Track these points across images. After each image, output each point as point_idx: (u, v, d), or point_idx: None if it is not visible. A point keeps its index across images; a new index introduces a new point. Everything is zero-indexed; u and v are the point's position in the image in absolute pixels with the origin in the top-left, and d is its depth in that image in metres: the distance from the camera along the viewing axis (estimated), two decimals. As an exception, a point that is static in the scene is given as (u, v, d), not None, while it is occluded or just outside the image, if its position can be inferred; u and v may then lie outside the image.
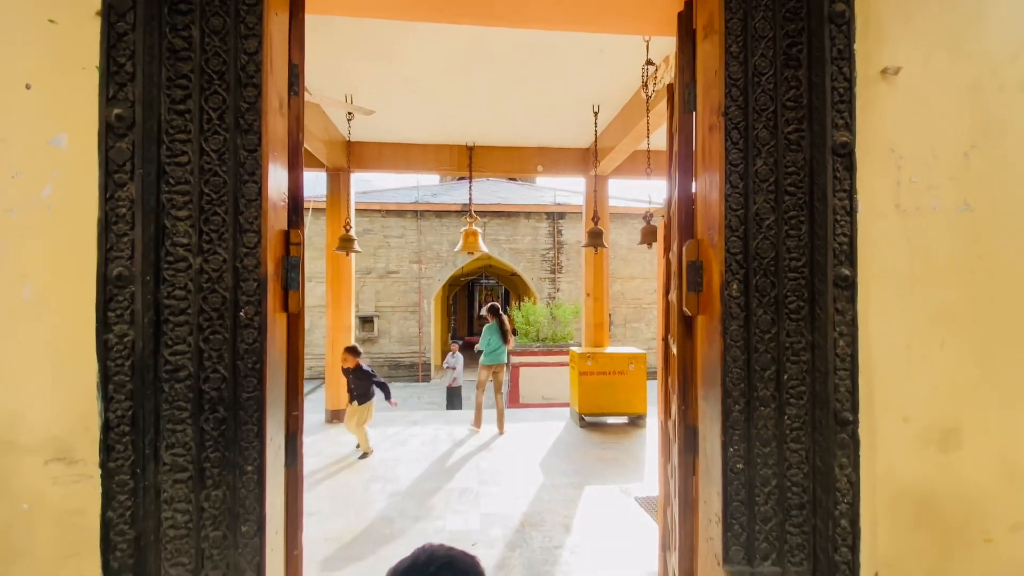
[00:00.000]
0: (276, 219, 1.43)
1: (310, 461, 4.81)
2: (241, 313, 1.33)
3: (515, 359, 11.12)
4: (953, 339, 1.41)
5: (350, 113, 4.59)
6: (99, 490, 1.23)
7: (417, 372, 15.12)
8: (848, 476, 1.39)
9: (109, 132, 1.25)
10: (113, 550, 1.25)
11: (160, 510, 1.30)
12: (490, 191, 16.40)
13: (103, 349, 1.23)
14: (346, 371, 5.07)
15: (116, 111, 1.24)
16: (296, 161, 1.58)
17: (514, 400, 10.72)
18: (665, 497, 2.19)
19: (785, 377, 1.44)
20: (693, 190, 1.72)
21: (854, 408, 1.39)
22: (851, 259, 1.41)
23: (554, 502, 3.75)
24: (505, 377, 6.78)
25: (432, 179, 20.00)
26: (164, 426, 1.30)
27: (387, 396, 5.15)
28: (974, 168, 1.43)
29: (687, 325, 1.73)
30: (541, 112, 5.25)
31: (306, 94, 3.27)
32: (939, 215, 1.42)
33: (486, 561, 2.94)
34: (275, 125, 1.42)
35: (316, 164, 5.82)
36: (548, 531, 3.29)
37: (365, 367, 5.11)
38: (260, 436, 1.34)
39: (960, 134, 1.43)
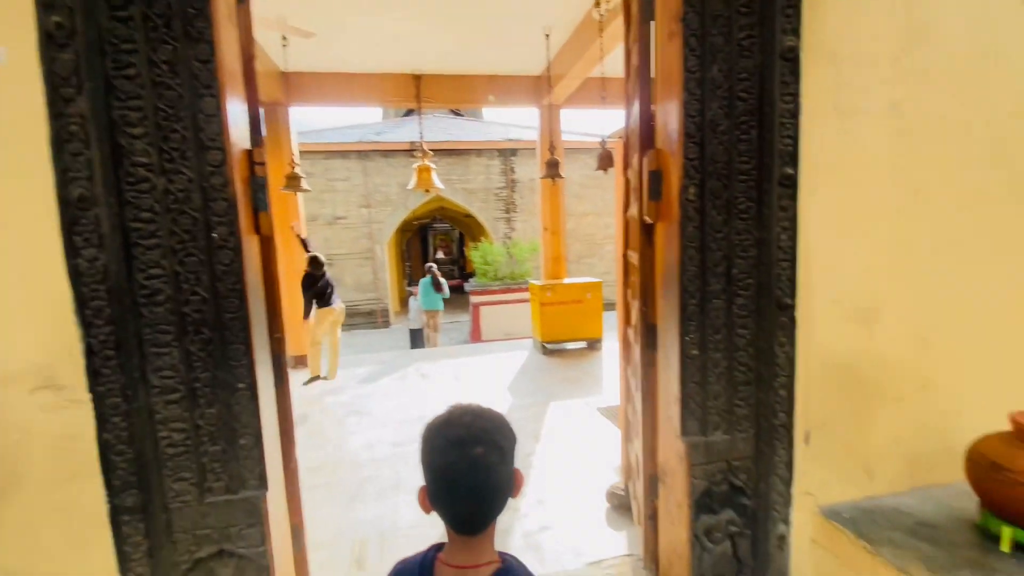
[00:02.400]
0: (238, 136, 1.39)
1: (279, 404, 4.85)
2: (214, 234, 1.32)
3: (475, 299, 11.28)
4: (878, 229, 1.59)
5: (284, 38, 4.26)
6: (92, 414, 1.24)
7: (376, 319, 15.05)
8: (787, 353, 1.59)
9: (50, 42, 1.16)
10: (114, 470, 1.29)
11: (156, 430, 1.34)
12: (438, 128, 15.82)
13: (75, 274, 1.21)
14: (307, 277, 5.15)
15: (54, 19, 1.15)
16: (251, 75, 1.51)
17: (476, 337, 10.98)
18: (626, 396, 2.41)
19: (735, 271, 1.59)
20: (652, 101, 1.78)
21: (792, 294, 1.57)
22: (794, 159, 1.53)
23: (523, 419, 4.01)
24: (442, 321, 9.61)
25: (375, 116, 19.00)
26: (149, 350, 1.31)
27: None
28: (903, 71, 1.56)
29: (648, 233, 1.84)
30: (491, 36, 5.06)
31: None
32: (871, 116, 1.55)
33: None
34: (227, 34, 1.35)
35: (251, 99, 5.42)
36: (520, 442, 3.53)
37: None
38: (248, 355, 1.38)
39: (892, 39, 1.55)
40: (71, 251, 1.20)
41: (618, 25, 3.78)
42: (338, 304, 5.44)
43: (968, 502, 1.53)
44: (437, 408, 0.92)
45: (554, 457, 3.31)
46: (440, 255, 22.26)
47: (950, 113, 1.59)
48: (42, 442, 1.23)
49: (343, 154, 13.99)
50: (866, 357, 1.64)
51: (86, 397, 1.23)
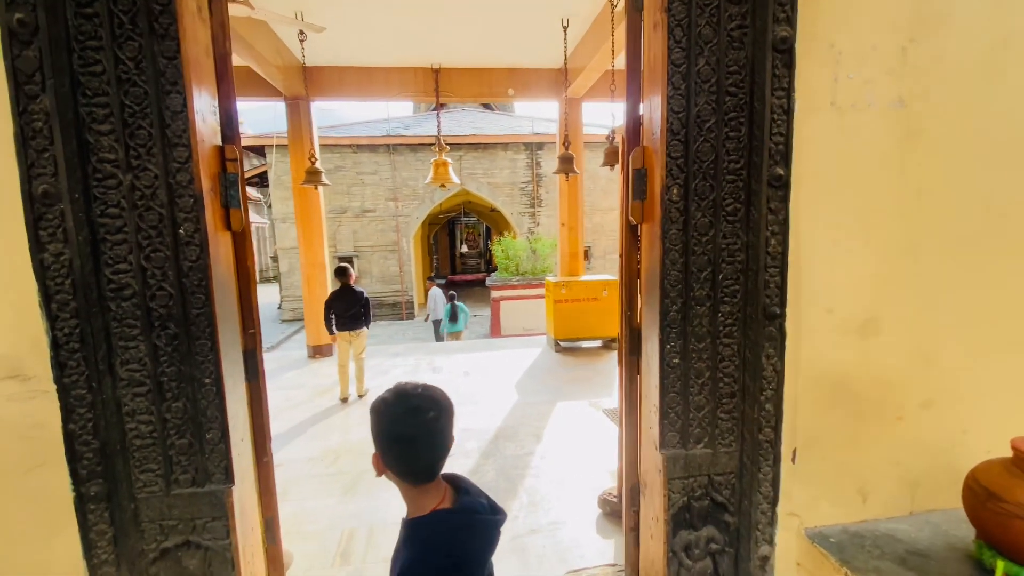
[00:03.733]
0: (207, 133, 1.39)
1: (294, 393, 4.96)
2: (180, 230, 1.33)
3: (495, 293, 11.30)
4: (878, 234, 1.48)
5: (302, 33, 4.30)
6: (57, 405, 1.27)
7: (401, 310, 15.26)
8: (774, 365, 1.49)
9: (13, 39, 1.18)
10: (79, 459, 1.32)
11: (123, 422, 1.36)
12: (465, 122, 15.85)
13: (40, 268, 1.23)
14: (333, 296, 4.72)
15: (17, 15, 1.17)
16: (225, 72, 1.51)
17: (496, 332, 10.99)
18: (622, 401, 2.33)
19: (720, 277, 1.50)
20: (640, 96, 1.69)
21: (782, 303, 1.47)
22: (786, 158, 1.43)
23: (527, 417, 3.97)
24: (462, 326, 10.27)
25: (404, 111, 19.18)
26: (116, 343, 1.33)
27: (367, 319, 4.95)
28: (911, 62, 1.44)
29: (634, 233, 1.77)
30: (509, 28, 4.99)
31: (247, 9, 3.05)
32: (873, 111, 1.44)
33: (461, 470, 3.15)
34: (194, 30, 1.35)
35: (274, 92, 5.52)
36: (520, 441, 3.51)
37: (356, 287, 4.82)
38: (215, 350, 1.38)
39: (899, 27, 1.42)
40: (36, 246, 1.22)
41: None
42: (355, 330, 4.76)
43: (968, 530, 1.41)
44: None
45: (553, 458, 3.26)
46: (465, 248, 22.39)
47: (964, 108, 1.46)
48: (9, 430, 1.27)
49: (372, 148, 14.19)
50: (862, 372, 1.53)
51: (52, 388, 1.26)
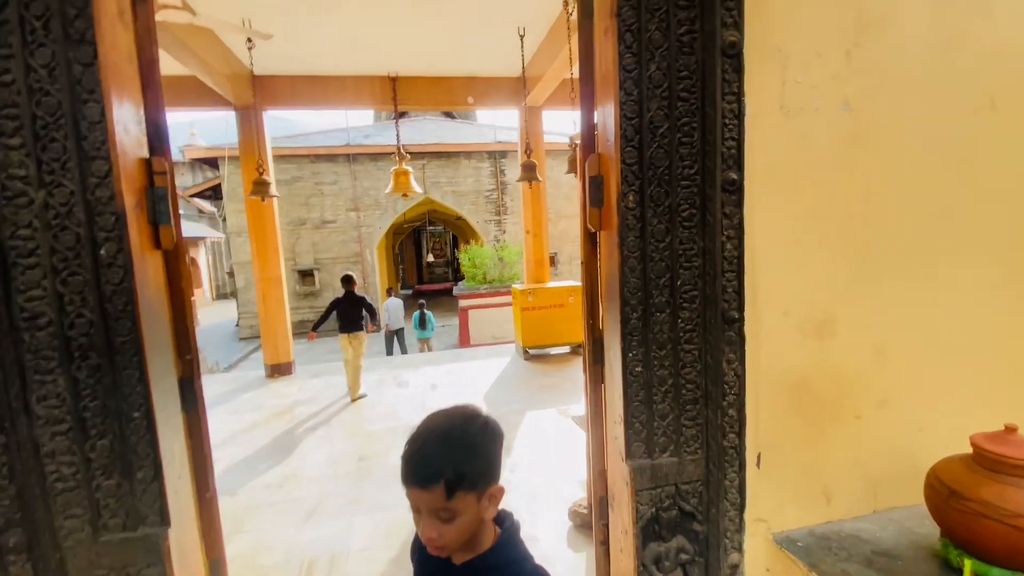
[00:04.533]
0: (131, 145, 1.28)
1: (251, 415, 4.74)
2: (102, 251, 1.21)
3: (463, 302, 11.20)
4: (831, 235, 1.49)
5: (250, 40, 4.15)
6: (-37, 449, 1.14)
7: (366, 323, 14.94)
8: (735, 369, 1.48)
9: (-95, 46, 1.05)
10: (-8, 508, 1.18)
11: (42, 464, 1.23)
12: (427, 131, 15.74)
13: (-61, 298, 1.10)
14: (337, 301, 5.28)
15: (-89, 21, 1.05)
16: (152, 79, 1.40)
17: (464, 342, 10.88)
18: (588, 411, 2.30)
19: (679, 283, 1.48)
20: (594, 103, 1.67)
21: (740, 307, 1.47)
22: (739, 163, 1.43)
23: (496, 429, 3.90)
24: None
25: (364, 120, 18.91)
26: (31, 377, 1.20)
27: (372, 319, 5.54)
28: (855, 66, 1.46)
29: (592, 242, 1.74)
30: (467, 36, 4.97)
31: (189, 15, 2.91)
32: (821, 115, 1.46)
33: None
34: (115, 35, 1.24)
35: (223, 102, 5.31)
36: (489, 456, 3.43)
37: (358, 293, 5.36)
38: (143, 381, 1.27)
39: (844, 31, 1.45)
40: (-68, 273, 1.09)
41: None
42: (354, 332, 5.30)
43: (931, 527, 1.43)
44: (410, 420, 0.93)
45: (523, 471, 3.20)
46: (432, 257, 22.20)
47: (907, 110, 1.50)
48: (-98, 483, 1.12)
49: (331, 158, 13.89)
50: (820, 373, 1.54)
51: (-46, 431, 1.13)
